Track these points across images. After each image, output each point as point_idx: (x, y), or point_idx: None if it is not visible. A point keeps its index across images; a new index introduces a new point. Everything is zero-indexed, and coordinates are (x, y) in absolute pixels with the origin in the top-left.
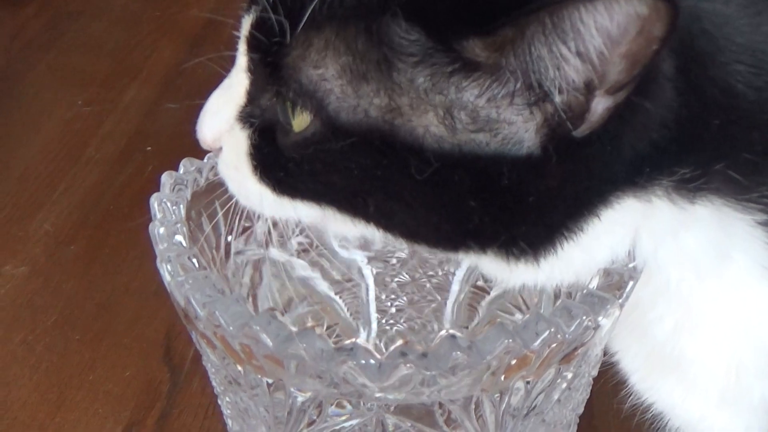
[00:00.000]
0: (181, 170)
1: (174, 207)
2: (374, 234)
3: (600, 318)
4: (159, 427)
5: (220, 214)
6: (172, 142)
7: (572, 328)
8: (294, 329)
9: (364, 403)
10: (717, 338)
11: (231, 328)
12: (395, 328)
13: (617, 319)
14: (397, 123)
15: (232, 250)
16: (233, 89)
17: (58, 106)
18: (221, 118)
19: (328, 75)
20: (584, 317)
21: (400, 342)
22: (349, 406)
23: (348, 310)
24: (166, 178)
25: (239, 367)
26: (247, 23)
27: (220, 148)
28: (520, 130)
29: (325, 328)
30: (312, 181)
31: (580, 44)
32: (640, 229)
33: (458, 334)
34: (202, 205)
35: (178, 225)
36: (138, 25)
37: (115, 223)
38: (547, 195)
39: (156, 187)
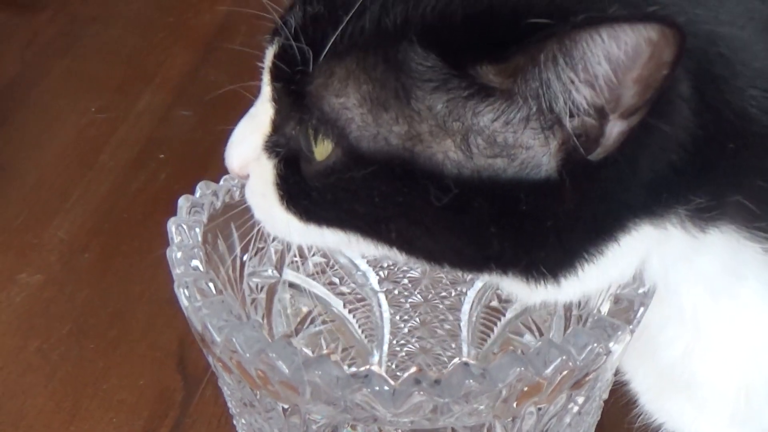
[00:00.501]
0: (198, 194)
1: (191, 231)
2: (397, 256)
3: (611, 344)
4: None
5: (236, 235)
6: (185, 148)
7: (583, 355)
8: (309, 355)
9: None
10: (727, 361)
11: (247, 354)
12: (406, 348)
13: (628, 344)
14: (417, 150)
15: (246, 272)
16: (259, 118)
17: (72, 113)
18: (248, 147)
19: (349, 104)
20: (595, 344)
21: (413, 369)
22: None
23: (362, 330)
24: (183, 202)
25: (255, 392)
26: (270, 54)
27: (248, 176)
28: (537, 154)
29: (340, 349)
30: (335, 209)
31: (590, 71)
32: (651, 253)
33: (471, 362)
34: (219, 228)
35: (195, 249)
36: (152, 31)
37: (128, 230)
38: (566, 219)
39: (169, 195)
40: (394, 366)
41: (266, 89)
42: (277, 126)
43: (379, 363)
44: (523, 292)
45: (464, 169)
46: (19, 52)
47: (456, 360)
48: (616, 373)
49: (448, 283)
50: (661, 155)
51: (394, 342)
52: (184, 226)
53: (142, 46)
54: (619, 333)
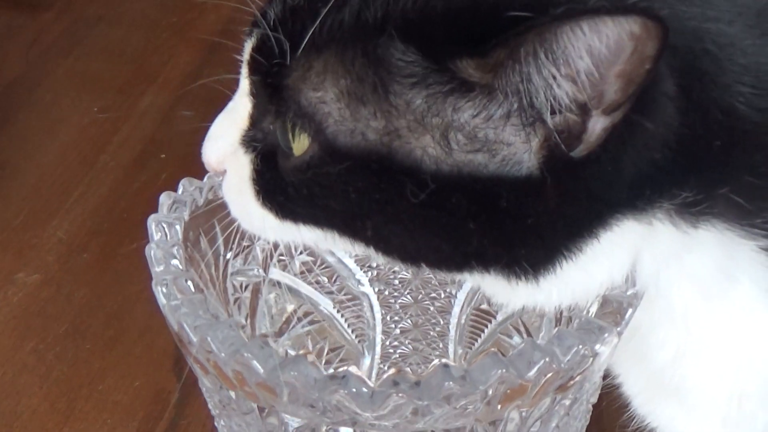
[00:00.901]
0: (180, 190)
1: (171, 228)
2: (375, 255)
3: (597, 346)
4: None
5: (219, 234)
6: (186, 149)
7: (568, 358)
8: (289, 354)
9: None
10: (719, 364)
11: (222, 354)
12: (399, 350)
13: (616, 346)
14: (394, 146)
15: (230, 270)
16: (236, 113)
17: (74, 112)
18: (225, 142)
19: (326, 98)
20: (580, 346)
21: (392, 371)
22: None
23: (352, 330)
24: (165, 199)
25: (232, 393)
26: (248, 47)
27: (225, 171)
28: (518, 151)
29: (327, 350)
30: (311, 205)
31: (571, 65)
32: (641, 252)
33: (451, 363)
34: (201, 225)
35: (175, 247)
36: (156, 31)
37: (127, 231)
38: (547, 216)
39: None
40: (386, 368)
41: (244, 83)
42: (254, 120)
43: (371, 365)
44: (504, 293)
45: (443, 164)
46: (23, 52)
47: (436, 361)
48: (609, 375)
49: (437, 284)
50: (645, 152)
51: (387, 344)
52: (164, 223)
53: (146, 46)
54: (606, 335)
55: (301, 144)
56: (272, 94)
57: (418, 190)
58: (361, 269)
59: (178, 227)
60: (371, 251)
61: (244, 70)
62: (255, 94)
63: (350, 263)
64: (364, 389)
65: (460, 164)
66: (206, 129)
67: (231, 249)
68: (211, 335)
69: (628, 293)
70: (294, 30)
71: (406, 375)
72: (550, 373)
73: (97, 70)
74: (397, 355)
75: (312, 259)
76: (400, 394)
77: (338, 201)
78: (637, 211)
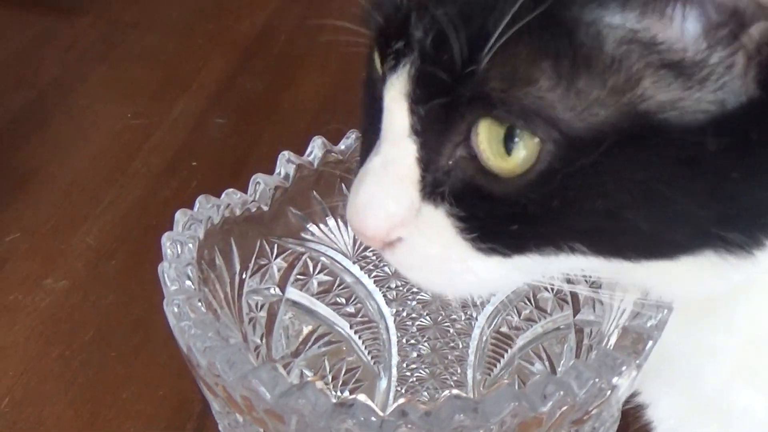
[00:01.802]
0: (196, 207)
1: (185, 247)
2: (615, 266)
3: (615, 379)
4: None
5: (236, 252)
6: (217, 156)
7: (584, 391)
8: (304, 374)
9: None
10: None
11: (230, 379)
12: (416, 374)
13: (635, 379)
14: (630, 105)
15: (246, 290)
16: (395, 164)
17: (107, 117)
18: (399, 206)
19: (542, 91)
20: (597, 379)
21: (402, 400)
22: None
23: (369, 353)
24: (180, 216)
25: (240, 418)
26: (400, 80)
27: (396, 240)
28: (732, 76)
29: (344, 371)
30: (559, 216)
31: None
32: None
33: (463, 394)
34: (217, 243)
35: (189, 267)
36: (191, 37)
37: (156, 238)
38: None
39: None
40: (404, 390)
41: (399, 123)
42: (427, 163)
43: (388, 388)
44: (693, 282)
45: (679, 110)
46: (59, 56)
47: (447, 392)
48: (633, 395)
49: (458, 306)
50: None
51: (404, 366)
52: (178, 242)
53: (181, 52)
54: (624, 368)
55: (521, 156)
56: (465, 106)
57: (679, 145)
58: (379, 290)
59: (191, 245)
60: (611, 261)
61: (398, 109)
62: (424, 129)
63: (369, 283)
64: (373, 419)
65: (692, 105)
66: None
67: (247, 268)
68: (219, 359)
69: (648, 325)
70: (470, 32)
71: (416, 405)
72: (565, 406)
73: (132, 75)
74: (414, 379)
75: (330, 278)
76: (409, 425)
77: (598, 197)
78: None
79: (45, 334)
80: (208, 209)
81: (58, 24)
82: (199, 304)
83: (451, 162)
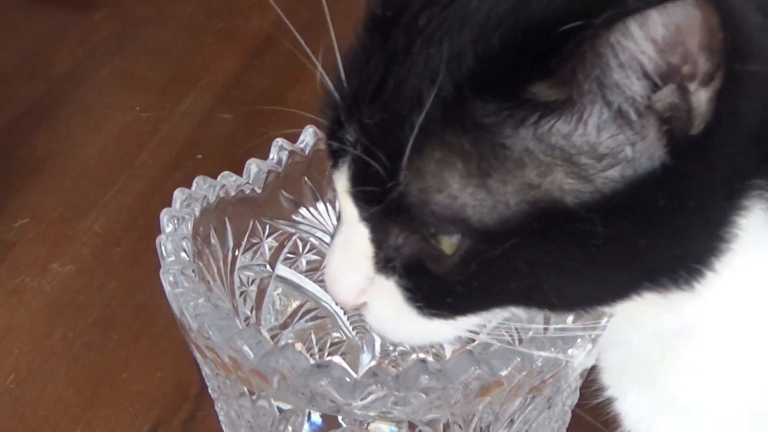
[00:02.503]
0: (194, 187)
1: (182, 223)
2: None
3: (570, 351)
4: (185, 428)
5: (230, 230)
6: (223, 150)
7: (541, 359)
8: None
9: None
10: (749, 380)
11: (218, 340)
12: (399, 348)
13: (591, 353)
14: (537, 198)
15: (238, 265)
16: (353, 243)
17: (117, 110)
18: (357, 277)
19: (454, 191)
20: (553, 349)
21: (374, 362)
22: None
23: (353, 328)
24: (178, 194)
25: (227, 380)
26: (342, 179)
27: (364, 304)
28: (641, 148)
29: (329, 344)
30: (484, 294)
31: (641, 59)
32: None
33: (429, 358)
34: (212, 221)
35: (185, 240)
36: (202, 34)
37: (160, 228)
38: (701, 193)
39: None
40: (386, 363)
41: (350, 212)
42: (379, 243)
43: (371, 361)
44: (652, 313)
45: (586, 194)
46: (71, 49)
47: (414, 356)
48: (602, 389)
49: None
50: (759, 97)
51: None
52: (176, 217)
53: (191, 48)
54: (579, 341)
55: (448, 241)
56: (395, 216)
57: (583, 227)
58: None
59: (189, 222)
60: (544, 311)
61: (347, 201)
62: (369, 219)
63: None
64: (347, 379)
65: (600, 187)
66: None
67: (240, 245)
68: (209, 322)
69: None
70: (389, 146)
71: (387, 368)
72: (523, 372)
73: (142, 70)
74: (396, 353)
75: (319, 258)
76: (380, 385)
77: (512, 279)
78: (763, 177)
79: (50, 316)
80: (204, 189)
81: (72, 18)
82: (193, 274)
83: (400, 240)
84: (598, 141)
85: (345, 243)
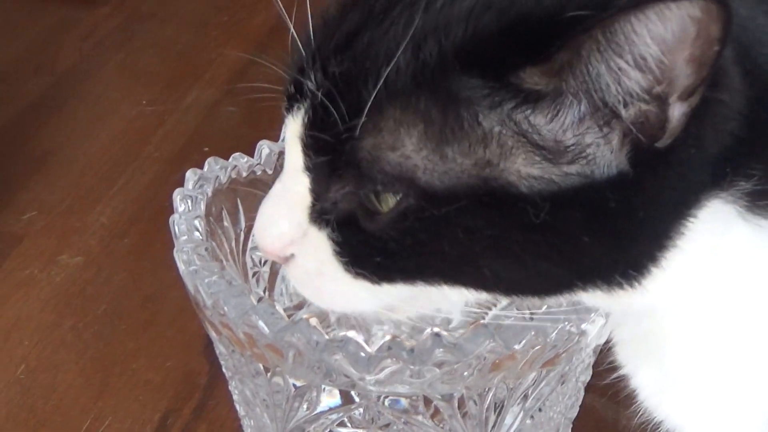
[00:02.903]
0: (206, 168)
1: (195, 202)
2: (475, 296)
3: (583, 325)
4: (195, 416)
5: (241, 210)
6: (228, 143)
7: (555, 333)
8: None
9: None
10: (749, 358)
11: (233, 316)
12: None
13: (604, 328)
14: (492, 176)
15: (250, 245)
16: (292, 192)
17: (123, 104)
18: (289, 226)
19: (408, 152)
20: (567, 323)
21: (388, 337)
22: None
23: None
24: (191, 175)
25: (242, 358)
26: (295, 123)
27: (290, 256)
28: (604, 151)
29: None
30: (416, 256)
31: (637, 56)
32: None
33: (444, 332)
34: (224, 202)
35: (197, 219)
36: (206, 29)
37: (167, 220)
38: (651, 206)
39: None
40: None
41: (296, 160)
42: (317, 194)
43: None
44: (604, 303)
45: (542, 183)
46: (77, 44)
47: (428, 330)
48: (618, 367)
49: None
50: (724, 126)
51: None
52: (189, 197)
53: (195, 43)
54: (592, 315)
55: (389, 199)
56: (343, 169)
57: (532, 213)
58: None
59: (201, 201)
60: (473, 292)
61: (295, 147)
62: (313, 169)
63: None
64: (362, 353)
65: (556, 179)
66: (249, 124)
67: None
68: (224, 299)
69: None
70: (350, 96)
71: (400, 342)
72: (537, 346)
73: (147, 64)
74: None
75: None
76: (394, 359)
77: (448, 244)
78: (719, 189)
79: (59, 307)
80: (216, 170)
81: (77, 13)
82: (206, 253)
83: (338, 195)
84: (566, 136)
85: (283, 191)
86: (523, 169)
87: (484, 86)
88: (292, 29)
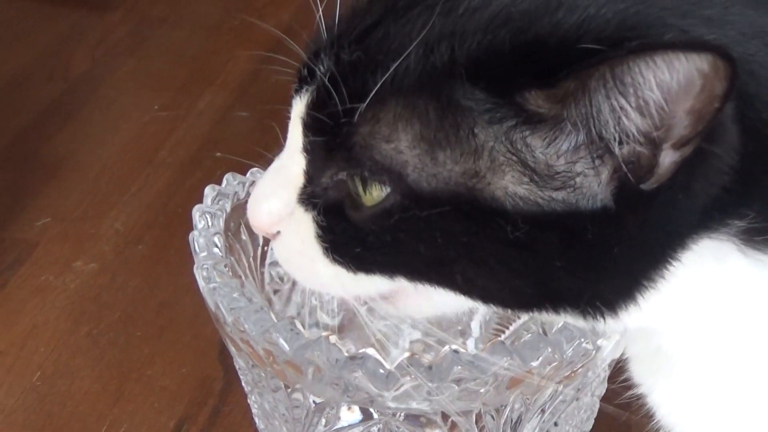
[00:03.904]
0: (224, 184)
1: (214, 218)
2: (447, 298)
3: (599, 341)
4: (210, 423)
5: None
6: (241, 148)
7: (571, 349)
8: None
9: (375, 410)
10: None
11: (254, 333)
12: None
13: (619, 344)
14: (478, 187)
15: (268, 261)
16: (288, 171)
17: (136, 109)
18: (279, 203)
19: (401, 147)
20: (583, 339)
21: (407, 354)
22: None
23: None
24: (209, 191)
25: (262, 372)
26: (301, 104)
27: (277, 233)
28: (592, 183)
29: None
30: (393, 253)
31: (641, 99)
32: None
33: (461, 349)
34: (242, 217)
35: (217, 236)
36: (217, 33)
37: (181, 225)
38: (629, 244)
39: None
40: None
41: (296, 140)
42: (311, 176)
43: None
44: (578, 324)
45: (526, 203)
46: (89, 50)
47: (446, 348)
48: (634, 385)
49: None
50: (715, 178)
51: (414, 337)
52: (208, 213)
53: (207, 48)
54: (614, 329)
55: (376, 192)
56: (337, 151)
57: (507, 231)
58: None
59: (220, 218)
60: (449, 294)
61: (296, 128)
62: (310, 150)
63: None
64: (381, 370)
65: (540, 202)
66: (262, 129)
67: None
68: (244, 316)
69: None
70: (356, 84)
71: (418, 359)
72: (553, 362)
73: (159, 69)
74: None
75: None
76: (413, 376)
77: (425, 246)
78: (709, 230)
79: (74, 314)
80: (234, 185)
81: (89, 19)
82: (225, 269)
83: (330, 181)
84: (558, 162)
85: (279, 169)
86: (510, 187)
87: (488, 100)
88: (320, 14)
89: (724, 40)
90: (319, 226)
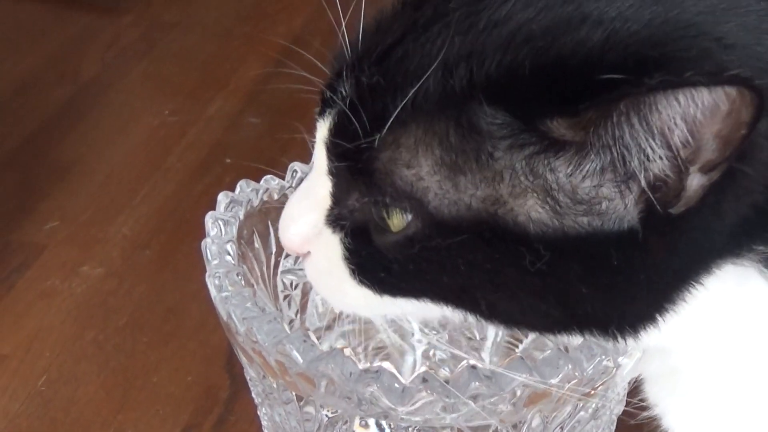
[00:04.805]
0: (237, 191)
1: (227, 226)
2: (474, 320)
3: (620, 358)
4: (215, 431)
5: (273, 233)
6: (250, 154)
7: (591, 366)
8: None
9: (389, 425)
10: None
11: (266, 344)
12: (438, 354)
13: (639, 361)
14: (500, 213)
15: (281, 269)
16: (315, 192)
17: (145, 114)
18: (307, 224)
19: (422, 173)
20: (603, 356)
21: (423, 368)
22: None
23: (395, 331)
24: (222, 198)
25: (274, 383)
26: (324, 128)
27: (308, 253)
28: (618, 207)
29: (372, 347)
30: (418, 280)
31: (665, 132)
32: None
33: (479, 364)
34: (255, 225)
35: (229, 244)
36: (228, 39)
37: (189, 231)
38: (655, 269)
39: None
40: (427, 367)
41: (321, 162)
42: (337, 199)
43: (414, 365)
44: (598, 342)
45: (549, 228)
46: (100, 53)
47: (464, 362)
48: (649, 406)
49: None
50: (746, 197)
51: (428, 345)
52: (221, 221)
53: (218, 53)
54: (629, 348)
55: (399, 219)
56: (359, 176)
57: (530, 258)
58: None
59: (233, 225)
60: (472, 318)
61: (321, 152)
62: (335, 174)
63: None
64: (396, 385)
65: (566, 227)
66: (272, 136)
67: (283, 249)
68: (257, 326)
69: None
70: (375, 109)
71: (435, 374)
72: (573, 380)
73: (170, 74)
74: (437, 359)
75: None
76: (429, 391)
77: (448, 274)
78: (734, 256)
79: (80, 319)
80: (248, 192)
81: (100, 22)
82: (238, 278)
83: (357, 204)
84: (583, 186)
85: (307, 190)
86: (533, 213)
87: (509, 125)
88: (343, 28)
89: (759, 49)
90: (345, 248)
